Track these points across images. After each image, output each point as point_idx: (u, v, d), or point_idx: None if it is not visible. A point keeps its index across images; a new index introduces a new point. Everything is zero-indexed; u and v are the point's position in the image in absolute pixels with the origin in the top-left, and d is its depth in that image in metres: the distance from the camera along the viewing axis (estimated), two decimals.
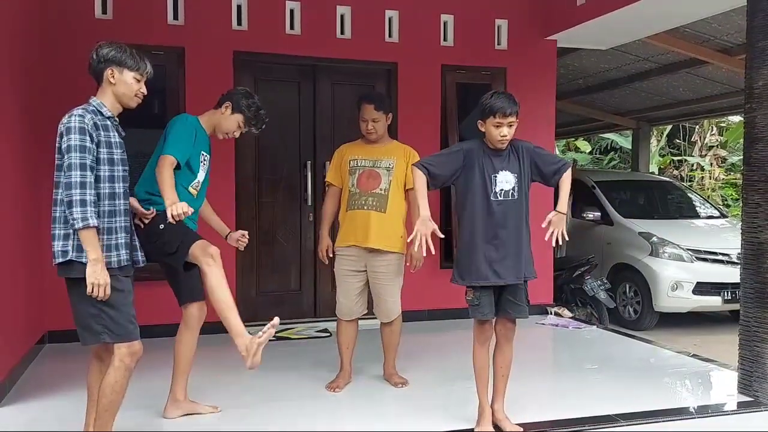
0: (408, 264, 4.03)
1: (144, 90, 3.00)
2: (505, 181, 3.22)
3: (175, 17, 5.44)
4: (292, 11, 5.73)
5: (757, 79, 3.77)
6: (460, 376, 3.98)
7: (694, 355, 5.06)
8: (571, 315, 6.45)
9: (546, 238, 3.21)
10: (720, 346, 6.16)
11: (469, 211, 3.25)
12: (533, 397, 3.99)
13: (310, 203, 5.89)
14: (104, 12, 5.25)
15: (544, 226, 3.23)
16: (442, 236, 3.16)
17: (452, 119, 6.20)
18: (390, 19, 6.01)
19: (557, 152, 17.88)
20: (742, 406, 3.80)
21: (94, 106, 2.89)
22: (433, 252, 3.14)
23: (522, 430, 3.34)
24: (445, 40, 6.18)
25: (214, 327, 5.12)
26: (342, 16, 5.87)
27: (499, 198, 3.22)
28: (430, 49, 6.10)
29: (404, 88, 6.00)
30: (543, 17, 6.40)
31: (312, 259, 5.90)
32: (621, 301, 7.50)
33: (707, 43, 7.72)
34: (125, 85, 2.92)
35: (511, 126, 3.19)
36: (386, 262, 3.97)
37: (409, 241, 3.19)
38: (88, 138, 2.76)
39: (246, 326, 3.15)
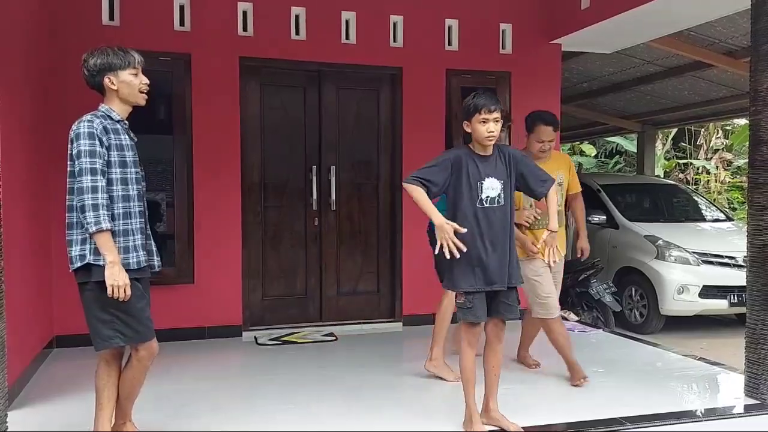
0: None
1: (146, 80, 2.99)
2: (491, 187, 3.25)
3: (182, 23, 5.47)
4: (297, 17, 5.75)
5: (762, 81, 3.78)
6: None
7: (700, 359, 5.06)
8: (577, 318, 6.45)
9: (543, 258, 3.49)
10: (727, 349, 6.15)
11: (458, 218, 3.25)
12: (540, 400, 4.00)
13: (315, 207, 5.91)
14: (111, 18, 5.29)
15: (539, 247, 3.34)
16: (464, 230, 3.16)
17: (457, 123, 6.21)
18: (395, 24, 6.03)
19: None
20: (750, 409, 3.79)
21: (103, 112, 2.92)
22: (464, 249, 3.12)
23: (521, 428, 3.34)
24: (449, 44, 6.19)
25: (215, 331, 5.17)
26: (347, 22, 5.90)
27: (486, 204, 3.25)
28: (435, 53, 6.11)
29: (409, 92, 6.01)
30: (547, 21, 6.41)
31: (318, 263, 5.92)
32: (627, 304, 7.49)
33: (712, 46, 7.72)
34: (126, 85, 2.93)
35: (497, 122, 3.22)
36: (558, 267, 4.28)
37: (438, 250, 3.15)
38: (97, 142, 2.78)
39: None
